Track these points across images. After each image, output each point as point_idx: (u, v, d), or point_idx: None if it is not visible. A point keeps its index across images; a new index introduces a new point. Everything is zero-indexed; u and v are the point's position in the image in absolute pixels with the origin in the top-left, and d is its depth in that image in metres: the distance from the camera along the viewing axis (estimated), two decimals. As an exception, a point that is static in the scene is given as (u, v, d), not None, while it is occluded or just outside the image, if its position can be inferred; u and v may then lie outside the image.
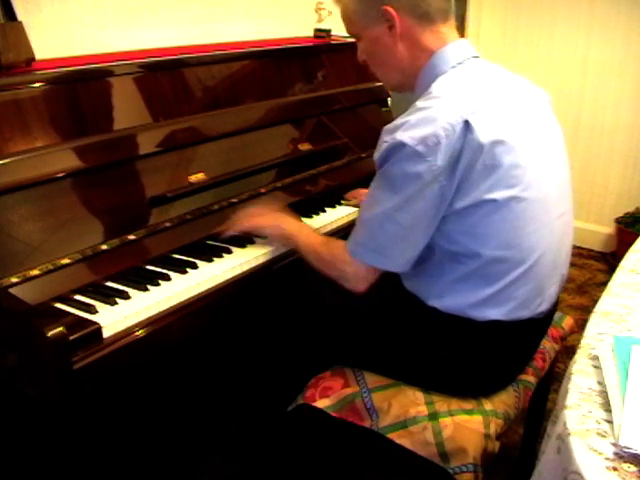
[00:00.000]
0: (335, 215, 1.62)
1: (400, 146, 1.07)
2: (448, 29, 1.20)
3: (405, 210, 1.10)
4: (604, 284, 1.26)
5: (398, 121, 1.11)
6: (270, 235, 1.40)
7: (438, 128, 1.06)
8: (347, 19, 1.24)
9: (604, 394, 0.85)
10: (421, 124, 1.07)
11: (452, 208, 1.10)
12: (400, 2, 1.15)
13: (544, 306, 1.23)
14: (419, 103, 1.12)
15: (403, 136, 1.07)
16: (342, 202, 1.71)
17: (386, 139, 1.11)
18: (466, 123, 1.07)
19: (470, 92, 1.13)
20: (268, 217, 1.40)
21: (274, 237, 1.40)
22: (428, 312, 1.20)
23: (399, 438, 1.18)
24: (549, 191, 1.18)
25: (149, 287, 1.21)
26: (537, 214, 1.15)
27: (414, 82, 1.22)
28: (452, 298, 1.17)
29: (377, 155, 1.14)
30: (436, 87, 1.14)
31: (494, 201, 1.10)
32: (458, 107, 1.09)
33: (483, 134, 1.07)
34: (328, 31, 2.19)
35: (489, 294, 1.15)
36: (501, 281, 1.14)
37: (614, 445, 0.76)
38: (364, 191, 1.62)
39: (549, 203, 1.18)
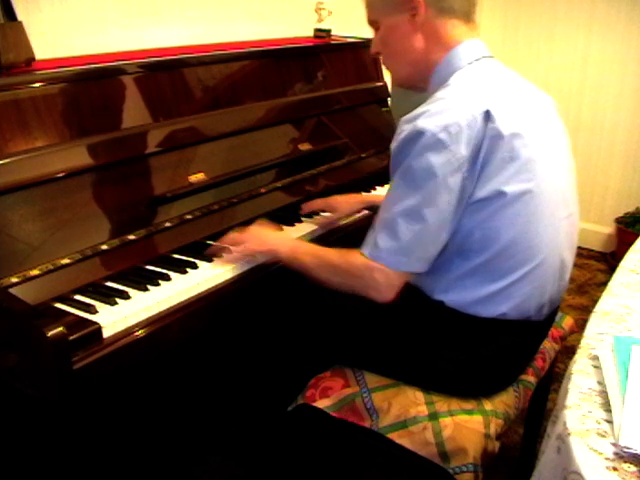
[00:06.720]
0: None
1: (420, 134, 1.06)
2: (467, 28, 1.20)
3: (430, 205, 1.08)
4: (604, 284, 1.26)
5: (417, 111, 1.10)
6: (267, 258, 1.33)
7: (460, 117, 1.06)
8: (370, 4, 1.24)
9: (604, 394, 0.85)
10: (442, 112, 1.06)
11: (470, 200, 1.10)
12: None
13: (546, 307, 1.23)
14: (439, 93, 1.12)
15: (424, 123, 1.06)
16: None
17: (404, 127, 1.09)
18: (487, 113, 1.07)
19: (488, 86, 1.14)
20: (261, 240, 1.33)
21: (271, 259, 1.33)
22: (433, 306, 1.19)
23: (399, 438, 1.18)
24: (557, 190, 1.18)
25: (149, 287, 1.21)
26: (547, 212, 1.15)
27: (426, 76, 1.21)
28: (458, 293, 1.17)
29: (394, 145, 1.11)
30: (455, 80, 1.14)
31: (509, 194, 1.09)
32: (478, 97, 1.09)
33: (503, 125, 1.07)
34: (328, 31, 2.19)
35: (494, 290, 1.15)
36: (507, 278, 1.14)
37: (614, 445, 0.76)
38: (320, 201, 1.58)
39: (557, 202, 1.18)
